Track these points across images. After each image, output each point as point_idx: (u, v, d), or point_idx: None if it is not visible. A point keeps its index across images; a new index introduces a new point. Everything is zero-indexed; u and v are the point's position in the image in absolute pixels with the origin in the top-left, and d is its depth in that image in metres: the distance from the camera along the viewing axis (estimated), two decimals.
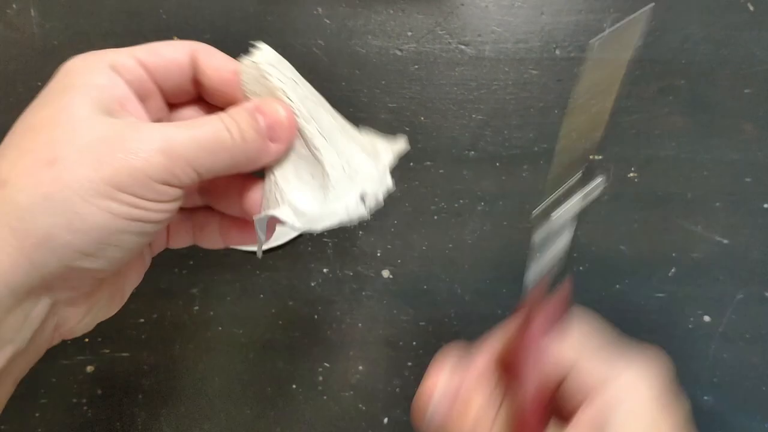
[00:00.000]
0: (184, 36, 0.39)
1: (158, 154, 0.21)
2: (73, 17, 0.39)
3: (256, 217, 0.25)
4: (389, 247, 0.39)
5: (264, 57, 0.26)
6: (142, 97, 0.24)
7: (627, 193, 0.40)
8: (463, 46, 0.40)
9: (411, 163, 0.39)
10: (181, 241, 0.29)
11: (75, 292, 0.22)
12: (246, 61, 0.26)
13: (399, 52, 0.40)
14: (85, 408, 0.37)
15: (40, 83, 0.40)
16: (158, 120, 0.25)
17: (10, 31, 0.39)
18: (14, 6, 0.39)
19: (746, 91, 0.40)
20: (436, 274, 0.38)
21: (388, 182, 0.27)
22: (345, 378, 0.38)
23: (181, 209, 0.27)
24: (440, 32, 0.40)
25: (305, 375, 0.38)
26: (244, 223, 0.27)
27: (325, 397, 0.38)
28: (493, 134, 0.40)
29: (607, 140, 0.40)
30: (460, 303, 0.38)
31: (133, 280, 0.27)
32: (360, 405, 0.38)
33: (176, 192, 0.22)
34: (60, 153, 0.20)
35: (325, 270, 0.39)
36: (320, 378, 0.38)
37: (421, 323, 0.39)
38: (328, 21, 0.39)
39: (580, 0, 0.40)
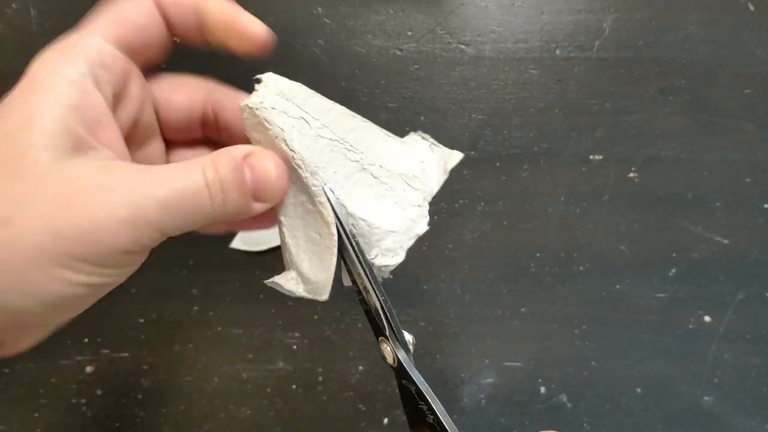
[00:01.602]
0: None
1: (124, 227, 0.18)
2: (73, 16, 0.39)
3: (266, 281, 0.23)
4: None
5: (268, 92, 0.23)
6: (122, 87, 0.22)
7: (627, 193, 0.40)
8: (463, 46, 0.40)
9: None
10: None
11: (23, 336, 0.20)
12: (247, 103, 0.22)
13: (399, 52, 0.40)
14: (84, 408, 0.37)
15: None
16: (135, 120, 0.22)
17: (10, 31, 0.39)
18: (14, 5, 0.39)
19: (746, 91, 0.40)
20: (436, 274, 0.38)
21: (419, 230, 0.24)
22: (345, 378, 0.38)
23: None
24: (440, 32, 0.40)
25: (305, 375, 0.38)
26: None
27: (325, 397, 0.38)
28: (493, 134, 0.40)
29: (607, 140, 0.40)
30: (460, 303, 0.38)
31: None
32: (360, 405, 0.38)
33: (139, 257, 0.20)
34: (15, 213, 0.17)
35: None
36: (320, 378, 0.38)
37: (421, 323, 0.39)
38: (328, 21, 0.39)
39: (580, 0, 0.40)
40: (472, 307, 0.38)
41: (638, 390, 0.39)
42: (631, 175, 0.40)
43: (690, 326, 0.39)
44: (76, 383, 0.37)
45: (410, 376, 0.23)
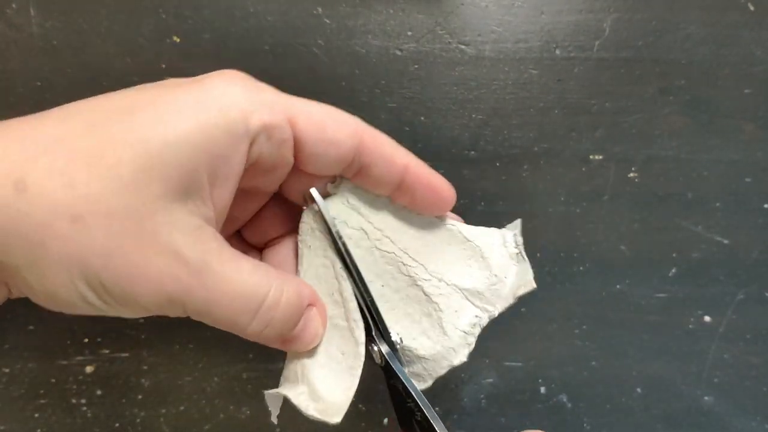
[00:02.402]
0: (183, 37, 0.39)
1: (163, 297, 0.18)
2: (73, 16, 0.39)
3: (267, 392, 0.23)
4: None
5: (336, 200, 0.23)
6: (259, 171, 0.20)
7: (627, 193, 0.40)
8: (463, 46, 0.40)
9: None
10: None
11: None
12: (311, 207, 0.22)
13: (399, 52, 0.40)
14: (84, 408, 0.37)
15: (39, 83, 0.41)
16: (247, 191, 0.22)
17: (10, 30, 0.39)
18: (13, 5, 0.39)
19: (746, 91, 0.40)
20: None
21: (455, 361, 0.23)
22: None
23: None
24: (440, 32, 0.40)
25: None
26: None
27: None
28: (493, 134, 0.40)
29: (607, 140, 0.40)
30: None
31: None
32: (360, 405, 0.38)
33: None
34: (87, 217, 0.17)
35: None
36: None
37: None
38: (327, 21, 0.39)
39: (580, 0, 0.40)
40: None
41: (638, 390, 0.39)
42: (631, 175, 0.40)
43: (690, 326, 0.39)
44: (76, 383, 0.37)
45: (396, 374, 0.23)
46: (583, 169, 0.40)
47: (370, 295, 0.22)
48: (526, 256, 0.25)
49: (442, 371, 0.23)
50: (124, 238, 0.17)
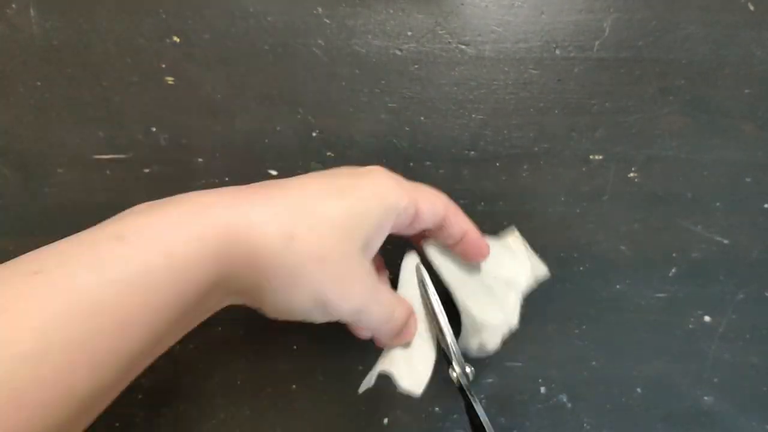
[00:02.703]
0: (183, 37, 0.39)
1: (352, 313, 0.27)
2: (73, 17, 0.39)
3: (378, 370, 0.31)
4: (389, 247, 0.39)
5: (430, 251, 0.34)
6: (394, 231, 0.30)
7: (627, 193, 0.40)
8: (463, 46, 0.40)
9: (411, 163, 0.39)
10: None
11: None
12: (419, 263, 0.34)
13: (399, 52, 0.40)
14: None
15: (39, 83, 0.41)
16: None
17: (10, 31, 0.39)
18: (14, 6, 0.39)
19: (746, 91, 0.40)
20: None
21: (515, 323, 0.34)
22: (345, 378, 0.38)
23: None
24: (440, 32, 0.40)
25: (305, 375, 0.38)
26: None
27: (325, 397, 0.38)
28: (493, 134, 0.40)
29: (607, 140, 0.40)
30: None
31: None
32: (360, 405, 0.38)
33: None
34: (326, 258, 0.25)
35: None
36: (320, 378, 0.38)
37: None
38: (328, 21, 0.39)
39: (580, 0, 0.40)
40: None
41: (638, 390, 0.39)
42: (631, 175, 0.40)
43: (690, 326, 0.39)
44: None
45: (467, 394, 0.32)
46: (583, 169, 0.40)
47: (452, 336, 0.32)
48: (534, 253, 0.35)
49: (505, 335, 0.34)
50: (344, 273, 0.26)
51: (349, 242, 0.26)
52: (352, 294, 0.26)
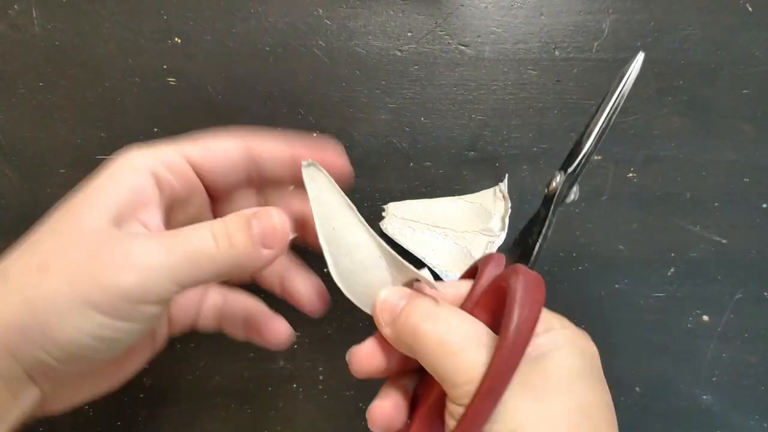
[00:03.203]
0: (184, 38, 0.39)
1: (130, 272, 0.20)
2: (75, 18, 0.39)
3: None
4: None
5: (389, 219, 0.38)
6: (179, 201, 0.25)
7: (626, 193, 0.40)
8: (462, 47, 0.40)
9: (411, 163, 0.39)
10: (207, 326, 0.29)
11: (64, 386, 0.22)
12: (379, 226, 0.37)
13: (399, 53, 0.40)
14: (86, 407, 0.37)
15: (41, 83, 0.41)
16: (191, 223, 0.25)
17: (12, 32, 0.39)
18: (16, 6, 0.39)
19: (745, 91, 0.40)
20: (436, 273, 0.38)
21: (475, 255, 0.37)
22: (345, 377, 0.38)
23: (213, 291, 0.29)
24: (440, 33, 0.40)
25: (306, 374, 0.38)
26: (265, 328, 0.29)
27: (325, 397, 0.38)
28: (493, 134, 0.40)
29: (606, 140, 0.40)
30: None
31: (135, 362, 0.26)
32: (360, 404, 0.38)
33: (152, 309, 0.21)
34: (52, 263, 0.20)
35: (325, 270, 0.39)
36: (321, 377, 0.38)
37: None
38: (328, 22, 0.40)
39: (579, 1, 0.40)
40: None
41: (637, 389, 0.39)
42: (630, 175, 0.40)
43: (688, 325, 0.39)
44: None
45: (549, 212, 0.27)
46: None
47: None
48: (508, 197, 0.38)
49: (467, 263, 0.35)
50: (81, 259, 0.21)
51: (85, 222, 0.21)
52: (117, 263, 0.20)
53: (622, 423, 0.39)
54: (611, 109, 0.27)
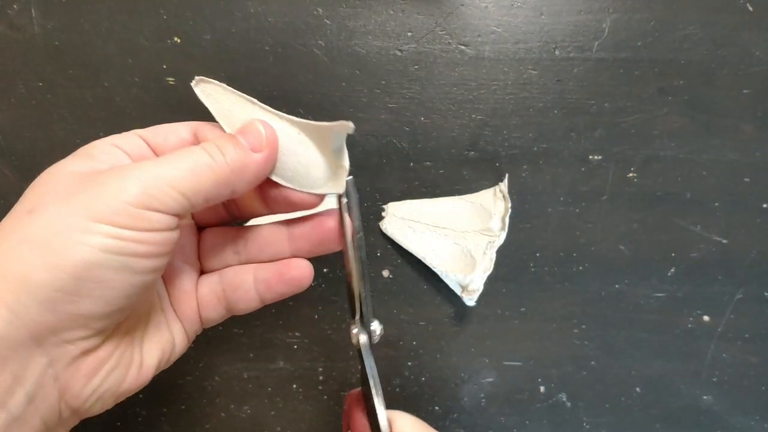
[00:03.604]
0: (184, 37, 0.39)
1: (132, 180, 0.20)
2: (74, 17, 0.39)
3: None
4: (389, 247, 0.39)
5: (389, 219, 0.38)
6: None
7: (626, 193, 0.40)
8: (462, 47, 0.40)
9: (411, 163, 0.39)
10: (213, 311, 0.27)
11: (71, 347, 0.20)
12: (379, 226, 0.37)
13: (399, 53, 0.40)
14: None
15: (41, 83, 0.41)
16: None
17: (11, 31, 0.39)
18: (15, 6, 0.39)
19: (745, 91, 0.40)
20: (435, 274, 0.38)
21: (490, 267, 0.37)
22: (345, 378, 0.38)
23: (208, 275, 0.27)
24: (440, 32, 0.40)
25: (305, 375, 0.38)
26: (285, 267, 0.27)
27: (325, 397, 0.38)
28: (493, 134, 0.40)
29: (606, 140, 0.40)
30: (460, 303, 0.38)
31: (152, 349, 0.25)
32: None
33: (163, 218, 0.21)
34: (39, 201, 0.20)
35: (325, 270, 0.39)
36: (320, 378, 0.38)
37: (421, 323, 0.39)
38: (328, 21, 0.40)
39: (579, 1, 0.40)
40: (472, 306, 0.38)
41: (637, 389, 0.39)
42: (630, 175, 0.40)
43: (689, 326, 0.39)
44: None
45: (363, 360, 0.26)
46: (583, 169, 0.40)
47: (368, 290, 0.27)
48: (508, 197, 0.38)
49: (483, 280, 0.36)
50: (72, 189, 0.21)
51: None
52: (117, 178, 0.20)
53: (623, 423, 0.39)
54: (355, 249, 0.26)
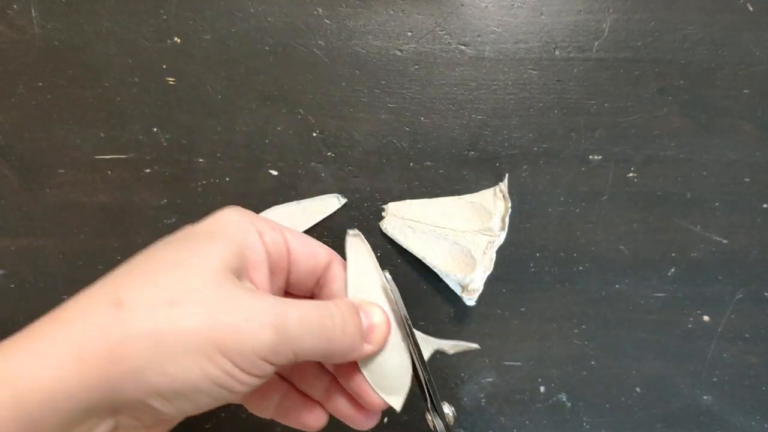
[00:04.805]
0: (184, 37, 0.39)
1: (269, 330, 0.21)
2: (74, 17, 0.39)
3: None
4: (389, 247, 0.39)
5: (389, 218, 0.38)
6: (272, 272, 0.25)
7: (626, 193, 0.40)
8: (462, 47, 0.40)
9: (411, 163, 0.39)
10: (263, 411, 0.29)
11: (137, 423, 0.22)
12: (379, 225, 0.38)
13: (399, 53, 0.40)
14: None
15: (41, 83, 0.41)
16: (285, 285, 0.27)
17: (11, 32, 0.39)
18: (15, 6, 0.39)
19: (745, 91, 0.40)
20: (435, 274, 0.38)
21: (489, 268, 0.37)
22: None
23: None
24: (440, 32, 0.40)
25: None
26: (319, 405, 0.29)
27: None
28: (493, 134, 0.40)
29: (606, 140, 0.40)
30: (460, 303, 0.38)
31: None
32: None
33: (271, 369, 0.22)
34: (181, 297, 0.20)
35: None
36: None
37: (421, 323, 0.39)
38: (328, 21, 0.40)
39: (579, 1, 0.40)
40: (472, 306, 0.38)
41: (637, 389, 0.39)
42: (630, 175, 0.40)
43: (689, 326, 0.39)
44: None
45: None
46: (583, 169, 0.40)
47: (428, 374, 0.28)
48: (508, 197, 0.38)
49: (483, 280, 0.37)
50: (213, 304, 0.21)
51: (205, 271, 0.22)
52: (243, 311, 0.21)
53: (623, 423, 0.39)
54: (414, 345, 0.28)
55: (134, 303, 0.20)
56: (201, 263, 0.21)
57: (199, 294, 0.20)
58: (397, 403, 0.27)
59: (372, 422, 0.29)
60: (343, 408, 0.28)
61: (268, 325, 0.21)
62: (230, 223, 0.24)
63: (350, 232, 0.29)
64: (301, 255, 0.26)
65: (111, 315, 0.19)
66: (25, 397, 0.18)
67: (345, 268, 0.28)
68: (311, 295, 0.29)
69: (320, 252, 0.27)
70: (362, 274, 0.28)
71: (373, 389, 0.26)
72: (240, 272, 0.23)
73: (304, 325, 0.22)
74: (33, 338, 0.19)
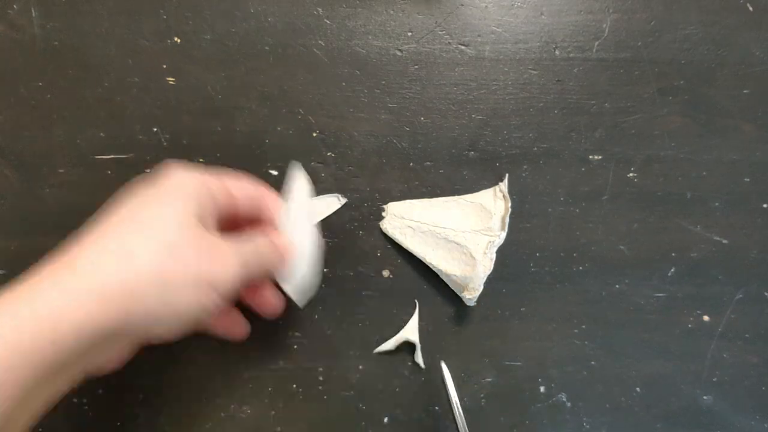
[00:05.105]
0: (183, 37, 0.39)
1: (239, 267, 0.28)
2: (74, 18, 0.39)
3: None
4: (389, 247, 0.39)
5: (389, 218, 0.39)
6: (219, 216, 0.31)
7: (626, 193, 0.40)
8: (462, 47, 0.40)
9: (411, 163, 0.39)
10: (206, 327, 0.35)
11: (131, 341, 0.28)
12: (380, 225, 0.39)
13: (399, 53, 0.40)
14: (85, 408, 0.37)
15: (41, 83, 0.41)
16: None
17: (11, 31, 0.39)
18: (15, 6, 0.39)
19: (745, 91, 0.40)
20: (435, 274, 0.38)
21: (489, 267, 0.37)
22: (345, 378, 0.38)
23: None
24: (440, 32, 0.40)
25: (305, 375, 0.38)
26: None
27: (325, 397, 0.38)
28: (493, 134, 0.40)
29: (606, 140, 0.40)
30: (460, 303, 0.38)
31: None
32: (360, 405, 0.38)
33: (236, 293, 0.30)
34: (175, 246, 0.26)
35: (325, 270, 0.39)
36: (320, 378, 0.38)
37: (421, 323, 0.39)
38: (328, 21, 0.40)
39: (580, 1, 0.40)
40: (472, 306, 0.38)
41: (637, 389, 0.39)
42: (631, 175, 0.40)
43: (689, 325, 0.39)
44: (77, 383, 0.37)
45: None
46: (583, 169, 0.40)
47: (464, 423, 0.33)
48: (508, 197, 0.38)
49: (483, 280, 0.37)
50: (206, 253, 0.27)
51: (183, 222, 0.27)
52: (225, 257, 0.27)
53: (623, 423, 0.39)
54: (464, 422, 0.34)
55: (141, 251, 0.25)
56: (179, 217, 0.27)
57: (188, 242, 0.26)
58: (301, 301, 0.34)
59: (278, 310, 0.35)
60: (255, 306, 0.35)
61: (237, 263, 0.28)
62: (185, 179, 0.28)
63: (294, 164, 0.33)
64: (242, 199, 0.31)
65: (126, 263, 0.25)
66: (61, 328, 0.23)
67: (277, 200, 0.33)
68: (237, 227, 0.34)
69: (254, 193, 0.32)
70: (295, 208, 0.33)
71: (281, 290, 0.33)
72: (203, 220, 0.28)
73: (255, 258, 0.29)
74: (56, 281, 0.24)
